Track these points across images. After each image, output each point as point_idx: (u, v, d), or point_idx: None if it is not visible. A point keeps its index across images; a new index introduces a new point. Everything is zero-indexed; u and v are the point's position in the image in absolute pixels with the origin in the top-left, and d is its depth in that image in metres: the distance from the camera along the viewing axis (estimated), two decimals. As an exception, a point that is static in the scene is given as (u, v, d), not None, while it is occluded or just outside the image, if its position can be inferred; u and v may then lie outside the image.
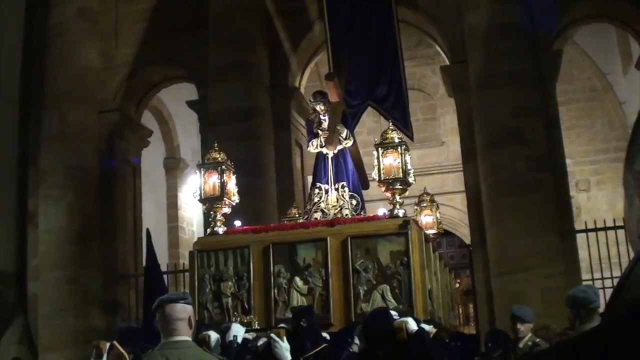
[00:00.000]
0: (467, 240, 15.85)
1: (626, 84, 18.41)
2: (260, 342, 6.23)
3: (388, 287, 7.06)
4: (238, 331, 6.10)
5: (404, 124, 13.06)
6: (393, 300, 7.03)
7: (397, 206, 7.32)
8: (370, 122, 16.82)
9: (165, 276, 14.27)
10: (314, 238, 7.40)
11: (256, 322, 7.15)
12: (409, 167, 7.40)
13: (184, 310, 4.02)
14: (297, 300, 7.25)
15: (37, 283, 14.02)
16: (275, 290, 7.38)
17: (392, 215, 7.30)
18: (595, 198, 18.98)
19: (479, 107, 12.99)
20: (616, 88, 19.13)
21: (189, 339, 4.08)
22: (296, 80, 15.05)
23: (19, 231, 14.81)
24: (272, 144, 14.01)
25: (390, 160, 7.37)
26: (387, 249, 7.13)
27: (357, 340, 5.80)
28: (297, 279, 7.35)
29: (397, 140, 7.46)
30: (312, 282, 7.31)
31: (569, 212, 12.99)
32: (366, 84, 11.65)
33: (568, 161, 15.58)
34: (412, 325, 5.54)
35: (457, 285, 20.04)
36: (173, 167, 18.72)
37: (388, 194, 7.41)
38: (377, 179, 7.45)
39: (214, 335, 6.09)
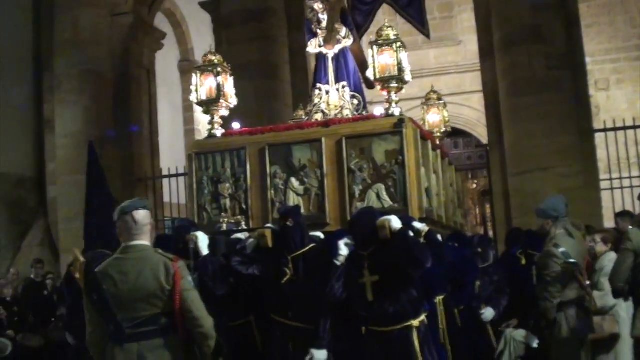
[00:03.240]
0: (485, 140, 15.68)
1: (649, -21, 17.81)
2: (248, 243, 6.25)
3: (383, 186, 6.97)
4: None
5: (420, 21, 12.72)
6: (388, 199, 6.95)
7: (393, 104, 7.17)
8: (388, 22, 16.42)
9: (182, 178, 14.40)
10: (308, 139, 7.28)
11: (243, 223, 7.16)
12: (405, 64, 7.19)
13: (147, 216, 4.31)
14: (294, 201, 7.19)
15: (56, 187, 14.19)
16: (272, 191, 7.33)
17: (387, 114, 7.16)
18: (614, 97, 18.59)
19: (497, 3, 12.64)
20: (639, -18, 18.51)
21: (147, 242, 4.31)
22: (311, -21, 14.72)
23: (36, 136, 14.90)
24: (287, 45, 13.81)
25: (386, 58, 7.18)
26: (382, 147, 7.01)
27: (342, 251, 5.75)
28: (293, 179, 7.28)
29: (393, 37, 7.25)
30: (307, 182, 7.24)
31: (588, 111, 12.75)
32: (381, -21, 11.33)
33: (588, 60, 15.19)
34: (395, 223, 5.47)
35: (474, 185, 20.01)
36: (188, 70, 18.55)
37: (384, 93, 7.25)
38: (372, 78, 7.28)
39: (202, 236, 6.08)
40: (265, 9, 13.52)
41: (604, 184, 12.79)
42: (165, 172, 14.66)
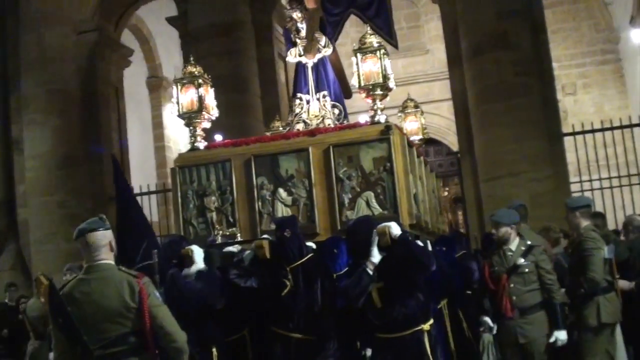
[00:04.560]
0: (455, 148, 15.82)
1: (611, -16, 18.16)
2: (245, 255, 6.19)
3: (372, 194, 6.94)
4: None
5: (387, 32, 12.78)
6: (378, 207, 6.93)
7: (379, 112, 7.18)
8: (354, 32, 16.48)
9: (155, 196, 14.27)
10: (295, 148, 7.24)
11: (239, 234, 7.11)
12: (389, 71, 7.21)
13: (104, 237, 4.28)
14: (282, 211, 7.13)
15: (26, 209, 14.00)
16: (259, 203, 7.27)
17: (373, 122, 7.16)
18: (581, 101, 18.90)
19: (463, 11, 12.77)
20: (601, -11, 18.87)
21: (110, 261, 4.28)
22: (277, -9, 14.76)
23: (5, 158, 14.71)
24: (255, 59, 13.79)
25: (370, 66, 7.17)
26: (370, 155, 7.00)
27: (375, 258, 5.49)
28: (281, 190, 7.23)
29: (375, 45, 7.28)
30: (295, 192, 7.19)
31: (556, 116, 12.90)
32: (348, -10, 11.39)
33: (554, 65, 15.40)
34: (395, 229, 5.47)
35: (446, 193, 20.14)
36: (156, 86, 18.51)
37: (369, 101, 7.26)
38: (357, 86, 7.29)
39: (197, 250, 6.03)
40: (233, 22, 13.52)
41: (574, 187, 12.97)
42: (136, 190, 14.49)
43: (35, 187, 13.82)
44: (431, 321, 5.54)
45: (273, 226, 6.61)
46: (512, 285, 6.58)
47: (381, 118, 7.17)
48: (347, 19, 12.31)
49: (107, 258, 4.26)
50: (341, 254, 6.21)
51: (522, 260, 6.63)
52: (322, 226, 7.11)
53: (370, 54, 7.24)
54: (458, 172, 14.38)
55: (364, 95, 7.29)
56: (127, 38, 16.52)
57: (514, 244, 6.75)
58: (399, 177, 6.91)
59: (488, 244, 7.53)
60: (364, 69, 7.22)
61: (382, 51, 7.22)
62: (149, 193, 13.84)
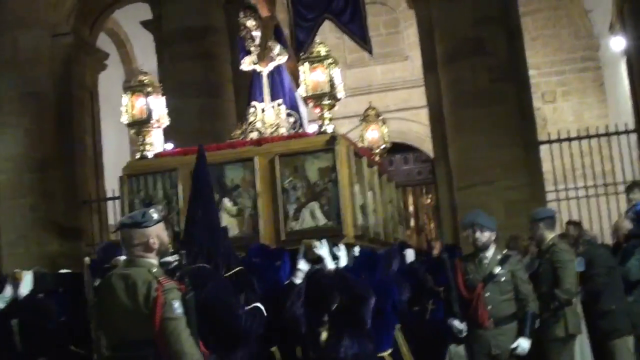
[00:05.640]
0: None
1: (592, -8, 17.99)
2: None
3: (317, 204, 6.84)
4: None
5: (362, 37, 12.69)
6: (322, 218, 6.83)
7: (326, 122, 7.07)
8: (333, 39, 16.39)
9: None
10: (241, 158, 7.15)
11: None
12: (338, 81, 7.10)
13: (141, 235, 3.98)
14: (226, 222, 7.05)
15: (-2, 212, 13.92)
16: (205, 213, 7.19)
17: (320, 132, 7.07)
18: (561, 109, 18.73)
19: (439, 17, 12.67)
20: (582, -4, 18.72)
21: (149, 259, 3.99)
22: (251, -5, 14.63)
23: (-23, 161, 14.58)
24: (229, 63, 13.67)
25: (318, 75, 7.08)
26: (316, 165, 6.90)
27: (302, 266, 5.43)
28: (226, 200, 7.13)
29: (324, 54, 7.16)
30: (240, 203, 7.09)
31: (532, 123, 12.79)
32: (322, -4, 11.30)
33: (534, 72, 15.29)
34: (322, 251, 5.33)
35: (428, 200, 19.99)
36: (133, 90, 18.32)
37: (317, 110, 7.16)
38: (304, 95, 7.19)
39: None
40: (207, 27, 13.42)
41: (550, 196, 12.85)
42: (110, 194, 14.43)
43: (6, 189, 13.74)
44: (390, 350, 5.38)
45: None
46: (487, 294, 6.40)
47: (328, 128, 7.07)
48: (321, 24, 12.23)
49: (145, 256, 3.96)
50: (284, 265, 6.10)
51: (498, 269, 6.47)
52: (266, 237, 7.00)
53: (318, 63, 7.13)
54: (433, 179, 14.27)
55: (311, 104, 7.18)
56: (104, 41, 16.43)
57: (490, 251, 6.58)
58: (343, 188, 6.81)
59: (452, 254, 7.41)
60: (311, 78, 7.11)
61: (330, 60, 7.11)
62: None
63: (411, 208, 20.38)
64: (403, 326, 6.64)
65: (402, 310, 6.49)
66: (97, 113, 15.30)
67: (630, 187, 9.43)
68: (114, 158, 14.54)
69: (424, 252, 10.51)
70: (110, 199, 14.37)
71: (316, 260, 5.40)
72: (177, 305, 3.78)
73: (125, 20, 17.07)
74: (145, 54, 17.38)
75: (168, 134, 12.21)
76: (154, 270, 3.90)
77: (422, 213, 20.44)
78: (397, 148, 18.36)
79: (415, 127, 18.39)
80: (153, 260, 3.98)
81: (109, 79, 15.45)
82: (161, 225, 4.10)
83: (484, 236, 6.50)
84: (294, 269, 5.53)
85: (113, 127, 14.77)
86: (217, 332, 4.35)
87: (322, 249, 5.34)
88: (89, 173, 14.81)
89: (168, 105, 8.09)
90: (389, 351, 5.38)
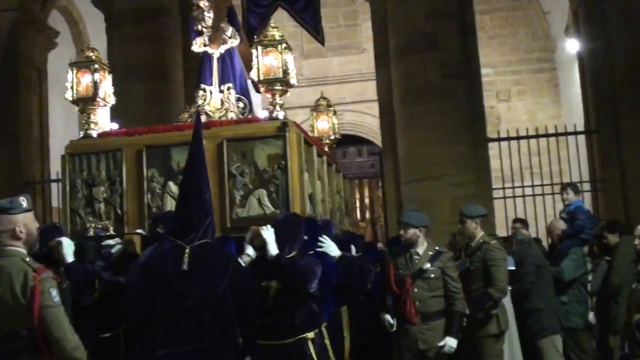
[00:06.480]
0: (387, 148, 15.65)
1: (550, -6, 18.15)
2: (114, 249, 5.93)
3: (265, 192, 6.73)
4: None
5: (314, 27, 12.64)
6: (270, 205, 6.73)
7: (277, 108, 6.96)
8: (291, 27, 16.24)
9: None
10: (188, 141, 6.97)
11: (111, 228, 6.84)
12: (291, 67, 6.99)
13: (8, 222, 3.99)
14: (171, 205, 6.88)
15: (-61, 192, 13.52)
16: (149, 196, 7.01)
17: (271, 118, 6.95)
18: (515, 108, 18.93)
19: (393, 10, 12.58)
20: (540, -2, 18.89)
21: (17, 248, 4.00)
22: (206, -23, 14.42)
23: None
24: (180, 47, 13.48)
25: (271, 60, 6.97)
26: (265, 152, 6.79)
27: (249, 251, 5.45)
28: (171, 183, 6.98)
29: (278, 38, 7.04)
30: (185, 187, 6.96)
31: (482, 121, 12.80)
32: (277, -18, 11.20)
33: (490, 71, 15.41)
34: (270, 240, 5.27)
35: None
36: (84, 70, 17.95)
37: (268, 95, 7.04)
38: (256, 79, 7.06)
39: (66, 242, 5.72)
40: (159, 8, 13.21)
41: (497, 193, 12.91)
42: (55, 177, 14.12)
43: (-51, 169, 13.37)
44: (316, 330, 5.34)
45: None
46: (416, 289, 6.47)
47: (279, 114, 6.97)
48: (274, 11, 12.13)
49: (13, 244, 3.95)
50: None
51: (428, 265, 6.52)
52: (213, 222, 6.86)
53: (271, 48, 7.01)
54: (380, 172, 14.25)
55: (262, 89, 7.07)
56: (56, 19, 16.06)
57: (422, 248, 6.62)
58: (292, 176, 6.73)
59: (395, 245, 7.38)
60: (264, 62, 7.00)
61: (284, 45, 7.00)
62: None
63: (367, 200, 20.48)
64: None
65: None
66: (45, 92, 14.96)
67: (564, 188, 9.57)
68: (62, 140, 14.16)
69: (373, 244, 10.48)
70: (54, 180, 14.03)
71: (262, 247, 5.33)
72: (55, 294, 3.87)
73: (79, -1, 16.73)
74: (99, 34, 17.05)
75: (115, 117, 12.00)
76: (27, 259, 3.94)
77: (377, 205, 20.43)
78: (352, 140, 18.41)
79: (369, 120, 18.40)
80: (21, 249, 3.99)
81: (60, 58, 15.06)
82: (30, 215, 4.10)
83: (408, 233, 6.62)
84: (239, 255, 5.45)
85: (62, 108, 14.44)
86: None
87: (266, 233, 5.25)
88: (35, 154, 14.45)
89: (116, 87, 7.91)
90: (316, 330, 5.33)
